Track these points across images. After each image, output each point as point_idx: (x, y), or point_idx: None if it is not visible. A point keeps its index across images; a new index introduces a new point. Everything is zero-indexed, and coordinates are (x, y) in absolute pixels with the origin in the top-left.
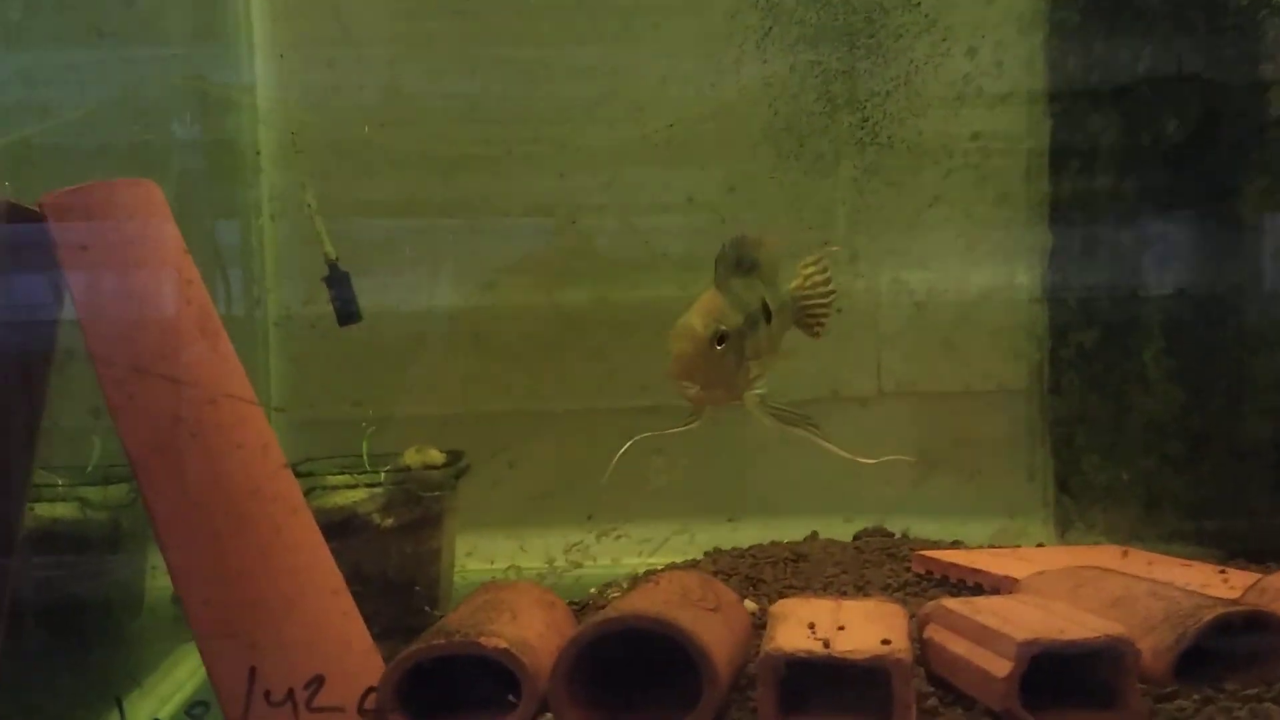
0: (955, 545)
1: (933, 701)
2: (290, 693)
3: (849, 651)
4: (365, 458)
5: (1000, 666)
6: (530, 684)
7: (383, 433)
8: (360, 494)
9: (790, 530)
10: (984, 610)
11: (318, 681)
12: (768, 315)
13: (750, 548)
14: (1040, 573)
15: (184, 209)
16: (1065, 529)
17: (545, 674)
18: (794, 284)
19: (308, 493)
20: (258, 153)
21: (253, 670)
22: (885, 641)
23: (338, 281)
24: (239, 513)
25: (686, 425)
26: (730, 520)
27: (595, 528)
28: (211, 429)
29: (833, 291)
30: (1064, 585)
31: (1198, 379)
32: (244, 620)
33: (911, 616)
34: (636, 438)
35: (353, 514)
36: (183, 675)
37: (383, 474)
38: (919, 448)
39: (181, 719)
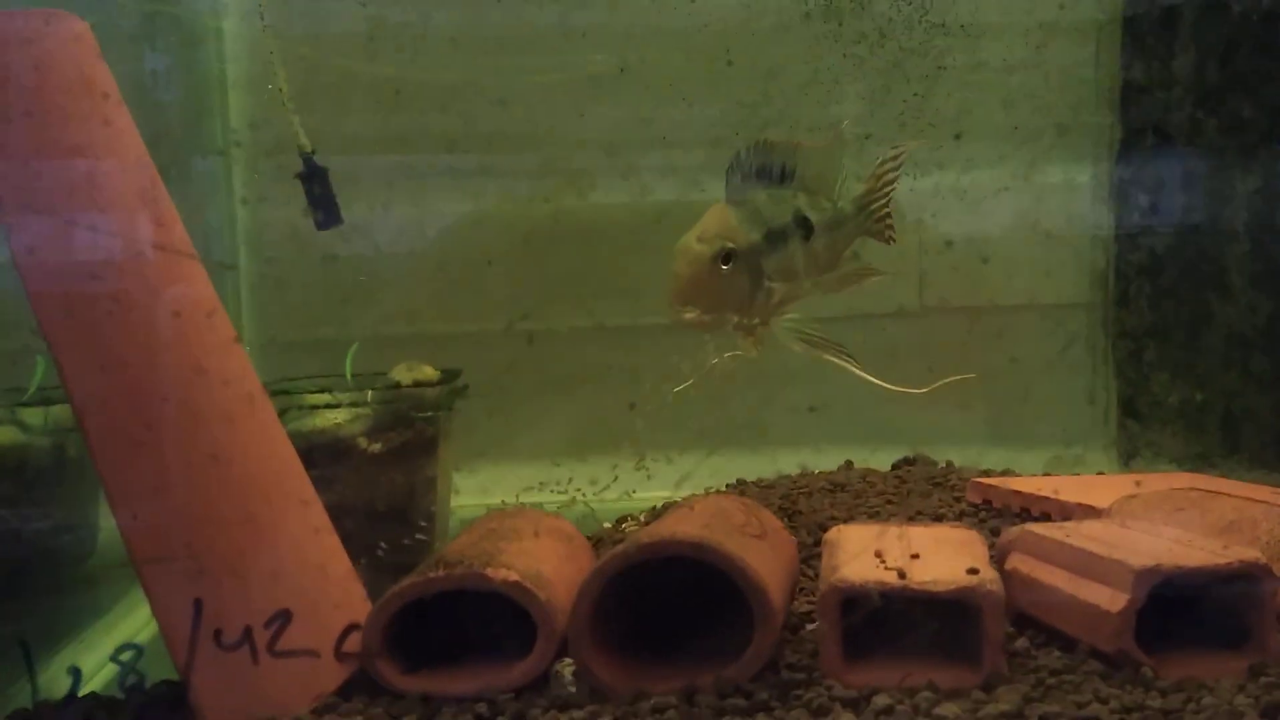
0: (1005, 475)
1: (1022, 642)
2: (247, 632)
3: (929, 583)
4: (349, 374)
5: (1112, 599)
6: (547, 623)
7: (368, 354)
8: (343, 415)
9: (816, 461)
10: (1083, 536)
11: (282, 617)
12: (807, 230)
13: (780, 478)
14: (1131, 496)
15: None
16: (1130, 457)
17: (563, 612)
18: (865, 187)
19: (282, 414)
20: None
21: (198, 603)
22: (972, 571)
23: (315, 178)
24: (179, 399)
25: (746, 352)
26: (752, 449)
27: (611, 459)
28: (138, 291)
29: (893, 192)
30: (1162, 509)
31: None
32: (188, 538)
33: (989, 545)
34: (716, 359)
35: (335, 437)
36: (140, 621)
37: (369, 393)
38: (964, 369)
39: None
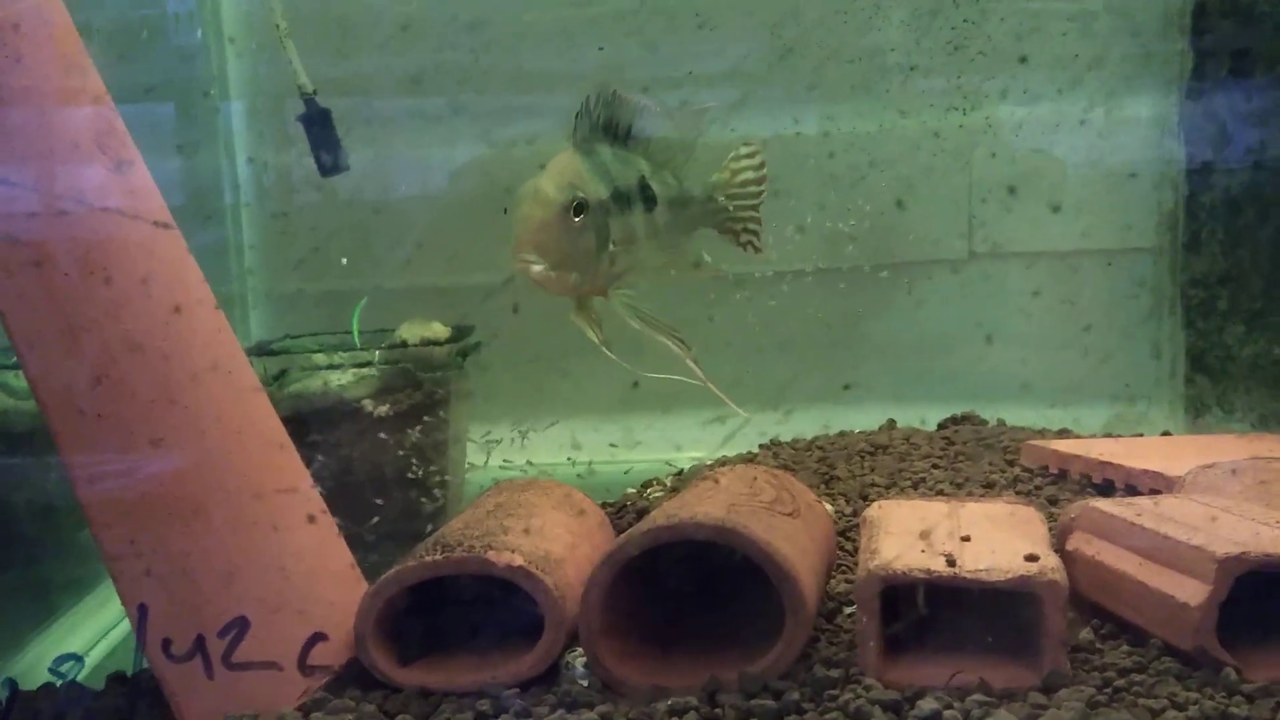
0: (1062, 436)
1: (1086, 634)
2: (200, 642)
3: (982, 571)
4: (354, 333)
5: (1191, 590)
6: (554, 611)
7: (376, 308)
8: (347, 376)
9: (853, 419)
10: (1157, 516)
11: (238, 625)
12: (649, 202)
13: (815, 439)
14: (1208, 466)
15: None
16: (1198, 415)
17: (574, 598)
18: (718, 176)
19: (281, 374)
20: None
21: (142, 609)
22: (1031, 558)
23: (317, 122)
24: (114, 377)
25: (585, 328)
26: (786, 413)
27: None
28: (58, 253)
29: (761, 192)
30: (1244, 481)
31: None
32: (132, 534)
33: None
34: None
35: (339, 400)
36: None
37: (375, 352)
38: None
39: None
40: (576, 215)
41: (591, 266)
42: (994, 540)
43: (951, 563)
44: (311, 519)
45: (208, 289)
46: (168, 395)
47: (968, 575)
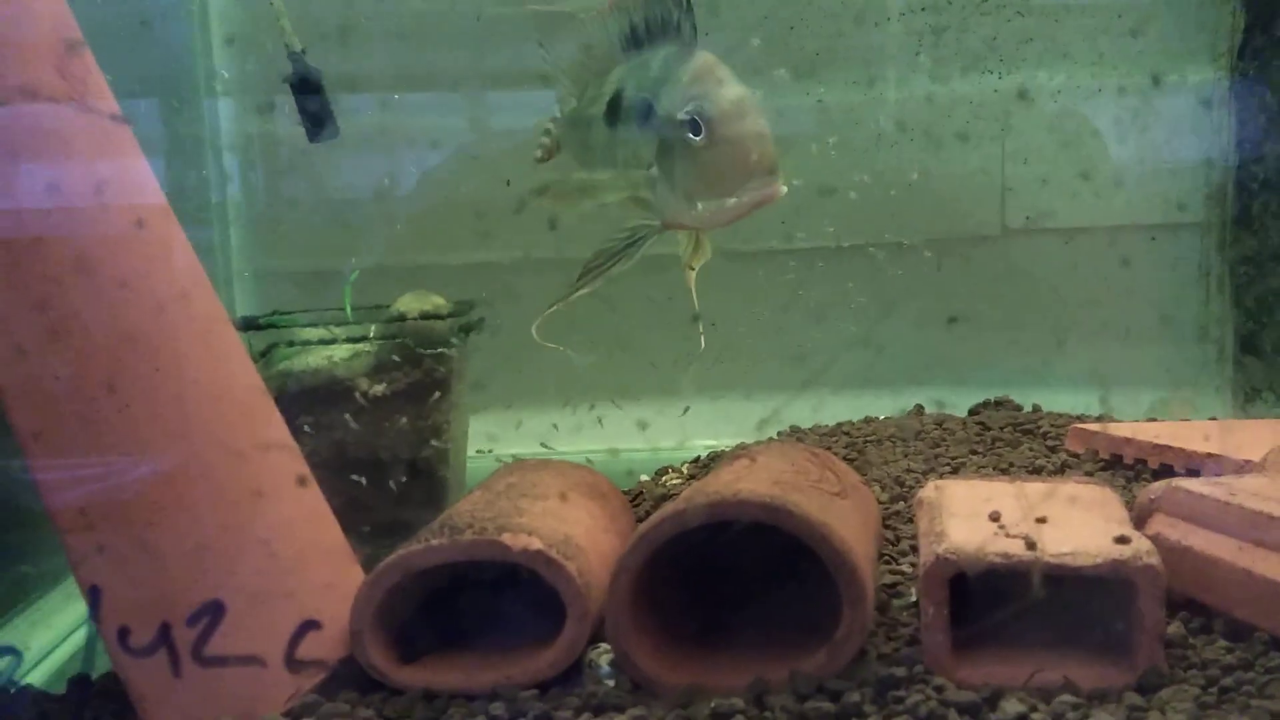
0: (1102, 421)
1: (1175, 628)
2: (164, 631)
3: (1067, 555)
4: (347, 307)
5: None
6: (578, 602)
7: (371, 285)
8: (342, 352)
9: (875, 406)
10: (1254, 495)
11: (210, 612)
12: None
13: (839, 424)
14: None
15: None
16: (1248, 400)
17: (599, 587)
18: None
19: (268, 351)
20: None
21: (94, 592)
22: (1121, 539)
23: (305, 83)
24: (62, 307)
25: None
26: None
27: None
28: None
29: None
30: None
31: None
32: (82, 501)
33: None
34: None
35: (332, 378)
36: None
37: (371, 327)
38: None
39: None
40: None
41: None
42: (1073, 521)
43: (1031, 546)
44: (302, 481)
45: (164, 198)
46: (125, 331)
47: (1051, 560)
